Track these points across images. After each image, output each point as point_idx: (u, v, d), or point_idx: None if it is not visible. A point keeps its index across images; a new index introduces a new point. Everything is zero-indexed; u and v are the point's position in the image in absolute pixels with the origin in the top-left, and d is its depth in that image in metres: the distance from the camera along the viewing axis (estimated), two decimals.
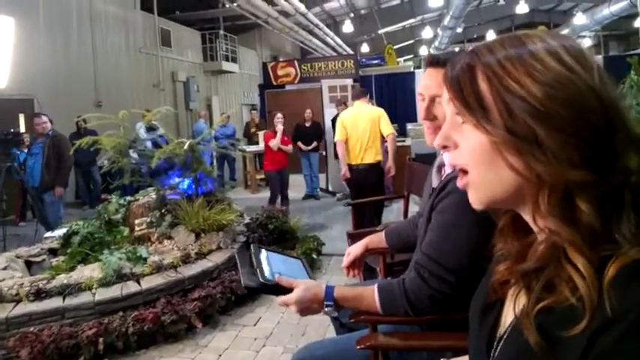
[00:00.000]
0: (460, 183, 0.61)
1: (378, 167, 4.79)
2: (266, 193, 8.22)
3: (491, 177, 0.56)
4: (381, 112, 4.78)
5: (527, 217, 0.59)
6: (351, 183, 4.93)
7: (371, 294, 1.32)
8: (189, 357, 2.86)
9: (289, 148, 6.26)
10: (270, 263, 1.30)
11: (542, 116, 0.51)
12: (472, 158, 0.57)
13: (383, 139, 4.82)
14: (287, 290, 1.25)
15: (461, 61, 0.60)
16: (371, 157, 4.69)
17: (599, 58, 8.37)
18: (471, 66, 0.58)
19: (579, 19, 16.73)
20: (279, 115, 6.27)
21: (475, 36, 23.86)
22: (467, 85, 0.57)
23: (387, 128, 4.70)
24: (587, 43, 21.82)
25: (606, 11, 15.22)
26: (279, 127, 6.10)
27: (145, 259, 3.44)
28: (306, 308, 1.26)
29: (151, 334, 2.91)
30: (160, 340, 2.96)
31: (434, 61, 1.36)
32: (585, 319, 0.47)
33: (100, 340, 2.71)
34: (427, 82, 1.36)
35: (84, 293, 3.03)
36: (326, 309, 1.26)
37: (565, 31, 18.52)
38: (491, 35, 22.81)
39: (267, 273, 1.25)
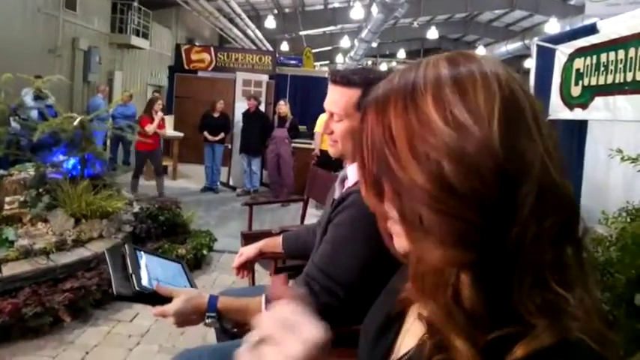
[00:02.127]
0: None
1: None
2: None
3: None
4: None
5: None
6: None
7: (258, 306, 1.27)
8: (50, 355, 2.61)
9: (164, 131, 6.95)
10: (148, 268, 1.17)
11: (427, 202, 0.47)
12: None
13: None
14: (165, 300, 1.14)
15: (366, 103, 0.55)
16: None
17: None
18: (364, 121, 0.53)
19: (480, 51, 18.18)
20: (160, 102, 6.84)
21: (387, 52, 25.03)
22: (362, 143, 0.53)
23: None
24: None
25: (504, 48, 16.75)
26: (160, 114, 6.62)
27: (12, 243, 3.09)
28: (186, 320, 1.17)
29: (4, 329, 2.60)
30: (16, 335, 2.66)
31: (332, 78, 1.38)
32: None
33: None
34: (328, 98, 1.38)
35: None
36: (207, 320, 1.19)
37: None
38: (401, 54, 24.07)
39: (143, 280, 1.11)
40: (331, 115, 1.37)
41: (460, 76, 0.48)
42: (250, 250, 1.76)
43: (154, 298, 1.12)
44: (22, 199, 3.53)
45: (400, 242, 0.53)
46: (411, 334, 0.59)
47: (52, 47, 10.68)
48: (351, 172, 1.43)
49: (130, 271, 1.12)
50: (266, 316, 0.51)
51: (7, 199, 3.53)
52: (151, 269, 1.19)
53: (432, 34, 17.74)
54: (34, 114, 4.75)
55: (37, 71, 7.04)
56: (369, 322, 0.70)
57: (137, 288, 1.08)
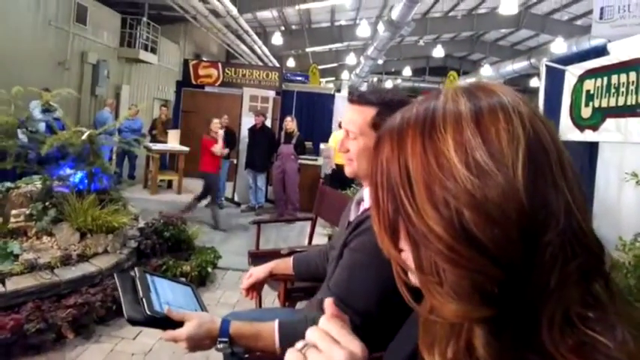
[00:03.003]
0: None
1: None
2: (165, 196, 7.86)
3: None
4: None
5: None
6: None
7: (270, 332, 1.23)
8: None
9: (226, 151, 6.71)
10: (158, 291, 1.15)
11: (444, 252, 0.43)
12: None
13: None
14: (177, 324, 1.11)
15: (381, 132, 0.51)
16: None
17: None
18: (379, 150, 0.50)
19: (486, 70, 18.25)
20: (216, 120, 6.63)
21: (393, 70, 25.17)
22: (376, 177, 0.50)
23: None
24: None
25: (510, 67, 16.79)
26: (220, 133, 6.44)
27: (17, 256, 3.06)
28: (197, 345, 1.14)
29: (5, 346, 2.55)
30: (17, 352, 2.61)
31: (349, 98, 1.39)
32: None
33: None
34: (345, 116, 1.40)
35: None
36: (219, 345, 1.15)
37: (472, 79, 20.07)
38: (407, 72, 24.23)
39: (154, 304, 1.09)
40: (347, 133, 1.37)
41: (481, 115, 0.45)
42: (260, 271, 1.73)
43: (166, 322, 1.10)
44: (28, 212, 3.51)
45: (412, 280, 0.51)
46: None
47: (61, 60, 10.80)
48: (367, 194, 1.40)
49: (141, 295, 1.09)
50: (313, 327, 0.54)
51: (13, 211, 3.51)
52: (162, 293, 1.16)
53: (438, 52, 17.84)
54: (42, 127, 4.75)
55: (46, 84, 7.09)
56: (395, 352, 0.67)
57: (149, 312, 1.05)
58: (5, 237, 3.33)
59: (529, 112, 0.46)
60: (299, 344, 0.54)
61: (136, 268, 1.19)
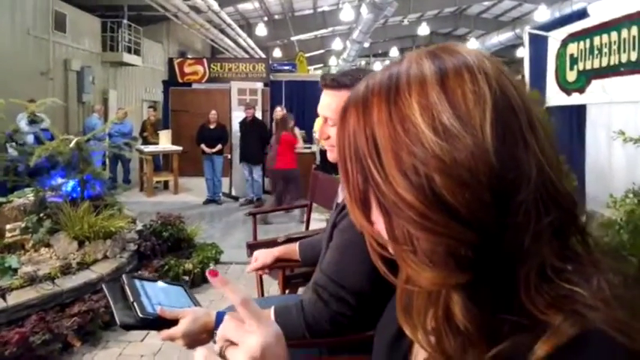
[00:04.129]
0: None
1: None
2: (162, 197, 7.86)
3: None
4: None
5: None
6: None
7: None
8: None
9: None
10: (148, 294, 1.13)
11: (415, 220, 0.42)
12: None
13: None
14: (172, 323, 1.10)
15: (346, 104, 0.49)
16: None
17: None
18: (344, 124, 0.48)
19: (472, 44, 18.11)
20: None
21: (380, 51, 25.04)
22: (344, 151, 0.48)
23: None
24: None
25: (495, 39, 16.72)
26: (296, 129, 6.60)
27: (16, 270, 3.07)
28: (195, 340, 1.12)
29: None
30: None
31: (323, 83, 1.37)
32: None
33: None
34: (321, 103, 1.37)
35: None
36: (216, 338, 1.16)
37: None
38: (394, 52, 24.15)
39: (146, 306, 1.07)
40: (325, 120, 1.36)
41: (446, 76, 0.43)
42: (267, 256, 1.74)
43: (161, 322, 1.08)
44: (23, 225, 3.50)
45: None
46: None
47: (43, 70, 10.69)
48: None
49: (132, 299, 1.07)
50: (224, 322, 0.56)
51: (8, 226, 3.50)
52: (152, 295, 1.14)
53: (423, 30, 17.72)
54: (30, 138, 4.73)
55: (30, 95, 7.03)
56: (383, 328, 0.66)
57: (141, 315, 1.04)
58: (2, 252, 3.33)
59: (495, 71, 0.45)
60: (216, 346, 0.54)
61: (123, 276, 1.18)
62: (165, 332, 1.09)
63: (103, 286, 1.17)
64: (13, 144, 4.77)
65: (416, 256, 0.44)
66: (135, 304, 1.06)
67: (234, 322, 0.55)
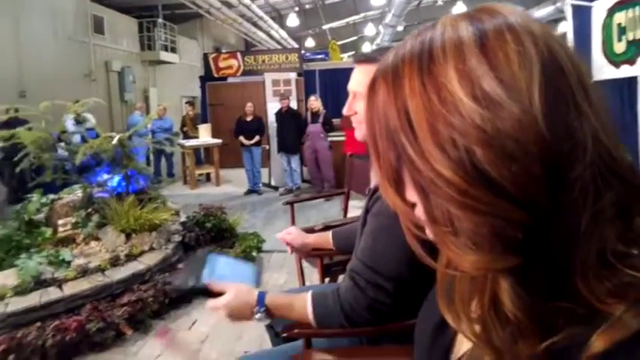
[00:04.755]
0: None
1: None
2: (205, 189, 8.04)
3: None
4: None
5: None
6: None
7: (303, 304, 1.26)
8: None
9: None
10: (215, 268, 1.32)
11: (455, 198, 0.39)
12: None
13: None
14: (218, 295, 1.23)
15: (375, 76, 0.46)
16: None
17: None
18: (373, 98, 0.45)
19: None
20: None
21: None
22: (373, 127, 0.45)
23: None
24: None
25: (535, 14, 16.04)
26: None
27: (69, 263, 3.21)
28: (237, 314, 1.22)
29: (73, 345, 2.70)
30: (85, 350, 2.76)
31: (357, 59, 1.37)
32: None
33: (11, 357, 2.46)
34: (352, 79, 1.36)
35: None
36: (257, 316, 1.22)
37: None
38: None
39: (204, 277, 1.26)
40: (354, 95, 1.33)
41: (486, 38, 0.39)
42: (297, 239, 1.75)
43: (208, 292, 1.26)
44: (73, 220, 3.66)
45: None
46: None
47: (86, 72, 11.09)
48: None
49: (195, 271, 1.33)
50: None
51: (60, 221, 3.67)
52: (219, 269, 1.33)
53: (459, 9, 17.15)
54: (77, 138, 4.91)
55: (75, 97, 7.30)
56: (425, 316, 0.63)
57: (190, 284, 1.40)
58: (56, 246, 3.49)
59: (542, 31, 0.40)
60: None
61: (205, 249, 1.40)
62: (211, 302, 1.24)
63: (190, 258, 1.53)
64: (62, 144, 4.98)
65: (457, 237, 0.40)
66: (194, 275, 1.31)
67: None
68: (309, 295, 1.26)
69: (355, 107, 1.33)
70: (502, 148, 0.37)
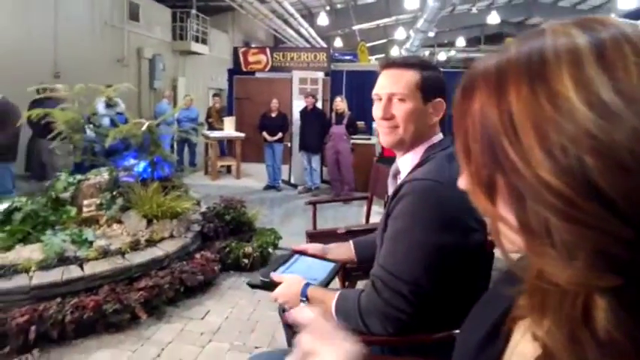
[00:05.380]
0: None
1: None
2: (225, 181, 8.11)
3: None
4: None
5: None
6: None
7: (332, 298, 1.28)
8: (130, 349, 2.73)
9: None
10: (292, 265, 1.44)
11: (559, 207, 0.38)
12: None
13: None
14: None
15: (472, 79, 0.45)
16: None
17: None
18: (468, 102, 0.44)
19: None
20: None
21: (446, 41, 24.27)
22: (466, 130, 0.44)
23: None
24: None
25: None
26: None
27: (91, 243, 3.27)
28: (289, 302, 1.31)
29: (90, 323, 2.76)
30: (100, 329, 2.82)
31: (389, 63, 1.37)
32: None
33: (32, 328, 2.53)
34: (383, 82, 1.34)
35: (19, 276, 2.84)
36: (301, 304, 1.29)
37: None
38: (460, 42, 23.27)
39: (277, 272, 1.37)
40: (389, 99, 1.32)
41: (604, 48, 0.39)
42: (315, 249, 1.65)
43: (273, 285, 1.35)
44: (98, 201, 3.72)
45: (510, 242, 0.44)
46: (519, 355, 0.50)
47: (119, 57, 11.30)
48: (403, 165, 1.37)
49: (271, 268, 1.40)
50: (306, 331, 0.57)
51: (85, 202, 3.74)
52: (296, 267, 1.44)
53: (493, 18, 17.00)
54: (106, 121, 5.00)
55: (107, 81, 7.45)
56: (469, 332, 0.62)
57: (260, 277, 1.37)
58: (80, 225, 3.56)
59: None
60: (297, 354, 0.57)
61: (292, 250, 1.54)
62: (272, 293, 1.35)
63: (278, 254, 1.60)
64: (91, 126, 5.08)
65: (554, 249, 0.39)
66: (270, 270, 1.38)
67: (316, 333, 0.57)
68: (336, 295, 1.28)
69: (392, 110, 1.32)
70: (616, 159, 0.36)
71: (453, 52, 24.67)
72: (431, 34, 17.88)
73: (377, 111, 1.34)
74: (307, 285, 1.30)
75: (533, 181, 0.39)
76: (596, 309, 0.40)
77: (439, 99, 1.33)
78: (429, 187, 1.20)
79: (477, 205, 0.46)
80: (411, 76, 1.31)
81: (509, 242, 0.44)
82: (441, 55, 24.10)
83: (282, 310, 1.77)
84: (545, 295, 0.44)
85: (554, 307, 0.43)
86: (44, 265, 2.93)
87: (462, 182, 0.47)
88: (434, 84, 1.32)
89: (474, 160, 0.44)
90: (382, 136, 1.36)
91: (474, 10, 18.68)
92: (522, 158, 0.39)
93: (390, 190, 1.37)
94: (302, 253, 1.51)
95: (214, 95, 10.26)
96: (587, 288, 0.39)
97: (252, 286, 1.38)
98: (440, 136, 1.37)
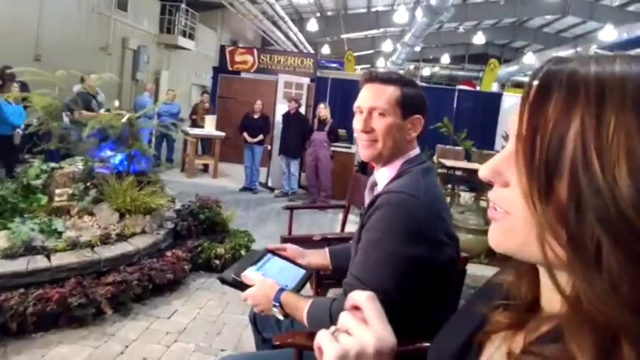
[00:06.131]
0: (492, 216, 0.48)
1: None
2: (202, 180, 8.03)
3: (528, 242, 0.43)
4: None
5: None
6: None
7: (305, 305, 1.29)
8: (92, 345, 2.67)
9: None
10: (264, 266, 1.41)
11: (620, 238, 0.36)
12: (518, 209, 0.44)
13: None
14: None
15: (562, 70, 0.43)
16: None
17: None
18: (571, 98, 0.41)
19: (529, 58, 17.65)
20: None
21: (431, 57, 24.67)
22: (535, 129, 0.42)
23: None
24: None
25: (554, 55, 16.19)
26: None
27: (60, 234, 3.20)
28: (260, 305, 1.31)
29: (53, 316, 2.69)
30: (63, 323, 2.75)
31: (372, 77, 1.39)
32: None
33: None
34: (365, 96, 1.37)
35: None
36: (273, 309, 1.29)
37: (514, 68, 19.58)
38: (445, 59, 23.70)
39: (246, 272, 1.36)
40: (370, 112, 1.34)
41: None
42: (295, 252, 1.62)
43: (244, 286, 1.34)
44: (70, 191, 3.64)
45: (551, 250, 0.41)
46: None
47: (103, 45, 11.10)
48: (380, 177, 1.39)
49: (242, 266, 1.39)
50: (345, 313, 0.57)
51: (57, 191, 3.65)
52: (267, 268, 1.42)
53: (479, 39, 17.39)
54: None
55: (89, 68, 7.31)
56: (443, 343, 0.63)
57: (232, 275, 1.35)
58: (50, 214, 3.48)
59: None
60: (332, 328, 0.56)
61: (265, 248, 1.51)
62: (243, 293, 1.34)
63: (251, 251, 1.56)
64: (68, 113, 4.97)
65: (599, 274, 0.37)
66: (239, 269, 1.38)
67: (357, 317, 0.57)
68: (309, 301, 1.29)
69: (372, 124, 1.34)
70: None
71: (437, 69, 25.05)
72: (417, 48, 18.16)
73: (357, 123, 1.36)
74: (281, 290, 1.30)
75: (610, 203, 0.37)
76: (624, 350, 0.38)
77: (418, 115, 1.36)
78: (403, 200, 1.23)
79: (529, 207, 0.43)
80: (392, 92, 1.34)
81: (550, 250, 0.42)
82: (426, 71, 24.45)
83: (253, 315, 1.76)
84: (576, 321, 0.41)
85: (582, 333, 0.40)
86: (9, 254, 2.85)
87: (484, 171, 0.46)
88: (413, 101, 1.36)
89: (534, 166, 0.42)
90: (361, 149, 1.38)
91: (461, 29, 19.04)
92: (607, 178, 0.38)
93: (367, 201, 1.39)
94: (275, 253, 1.48)
95: (204, 93, 10.17)
96: (620, 328, 0.37)
97: (223, 281, 1.36)
98: (417, 150, 1.40)
